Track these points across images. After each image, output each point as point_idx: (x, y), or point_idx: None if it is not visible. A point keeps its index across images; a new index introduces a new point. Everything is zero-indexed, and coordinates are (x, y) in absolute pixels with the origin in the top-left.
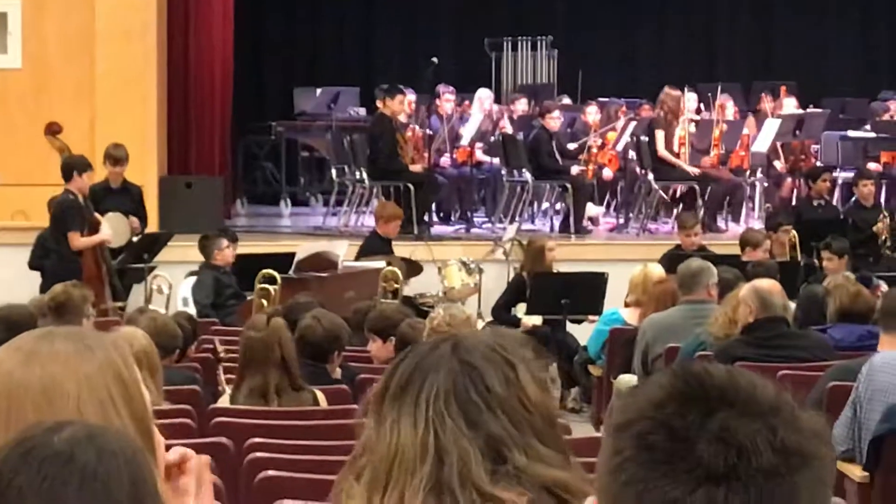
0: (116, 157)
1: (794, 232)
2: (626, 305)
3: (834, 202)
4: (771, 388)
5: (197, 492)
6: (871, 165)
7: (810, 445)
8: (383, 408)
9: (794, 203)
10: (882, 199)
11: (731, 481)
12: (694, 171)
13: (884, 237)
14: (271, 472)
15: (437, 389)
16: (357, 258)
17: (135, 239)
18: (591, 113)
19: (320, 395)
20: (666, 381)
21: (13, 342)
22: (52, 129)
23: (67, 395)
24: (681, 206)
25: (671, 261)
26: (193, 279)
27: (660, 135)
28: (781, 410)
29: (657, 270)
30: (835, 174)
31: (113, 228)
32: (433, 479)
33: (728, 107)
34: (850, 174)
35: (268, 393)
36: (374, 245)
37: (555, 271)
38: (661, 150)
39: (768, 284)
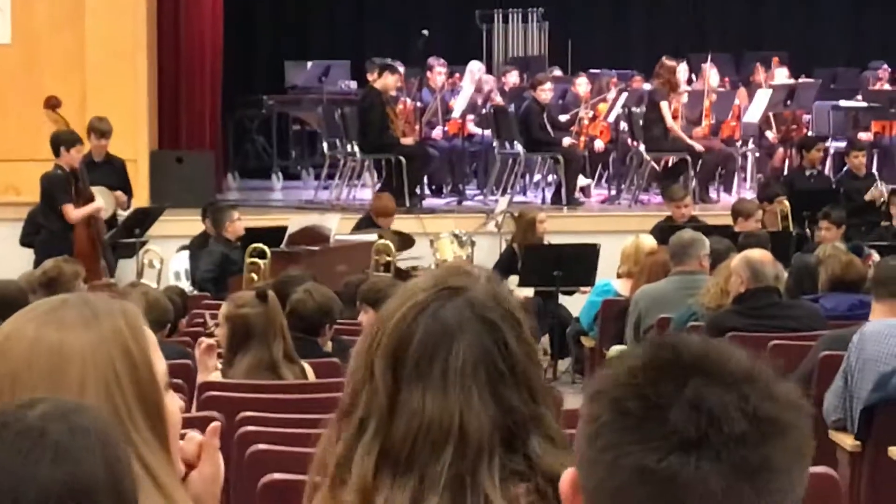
0: (101, 129)
1: (786, 202)
2: (619, 277)
3: (826, 172)
4: (746, 358)
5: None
6: (863, 135)
7: (785, 415)
8: (403, 373)
9: (785, 173)
10: (874, 169)
11: (702, 448)
12: (699, 147)
13: (882, 200)
14: (262, 446)
15: (466, 359)
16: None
17: (121, 213)
18: (581, 84)
19: (308, 369)
20: (642, 351)
21: (30, 308)
22: (51, 103)
23: (72, 367)
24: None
25: (663, 232)
26: (185, 253)
27: (665, 105)
28: (756, 379)
29: (649, 241)
30: (826, 144)
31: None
32: (454, 469)
33: (712, 75)
34: (842, 144)
35: (278, 365)
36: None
37: (547, 243)
38: (671, 122)
39: (759, 254)
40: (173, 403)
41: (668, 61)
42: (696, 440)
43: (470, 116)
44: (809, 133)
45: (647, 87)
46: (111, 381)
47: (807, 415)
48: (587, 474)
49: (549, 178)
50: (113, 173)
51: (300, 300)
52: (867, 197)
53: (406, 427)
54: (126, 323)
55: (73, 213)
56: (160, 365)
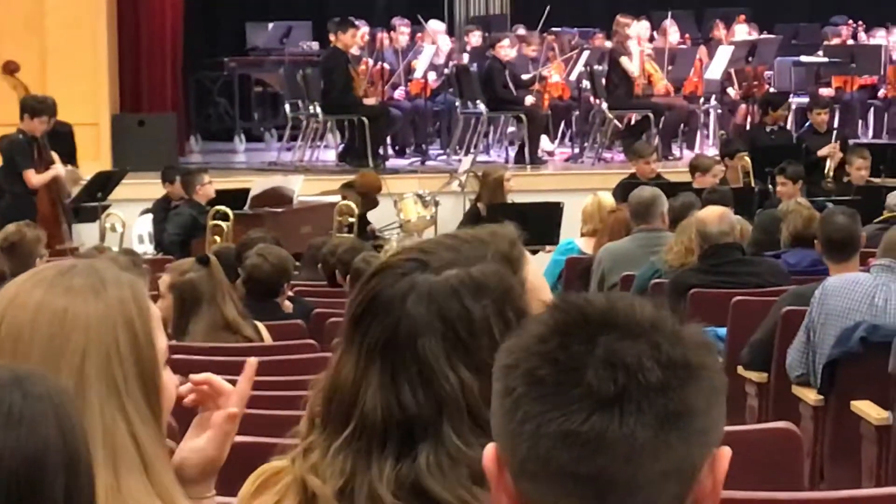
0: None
1: (747, 158)
2: (583, 235)
3: (788, 128)
4: (650, 307)
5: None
6: (824, 90)
7: (696, 356)
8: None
9: (747, 129)
10: (836, 124)
11: (623, 403)
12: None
13: (829, 164)
14: None
15: (377, 339)
16: None
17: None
18: (533, 45)
19: (262, 327)
20: (547, 316)
21: (37, 272)
22: (10, 68)
23: (75, 335)
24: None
25: (626, 190)
26: (149, 216)
27: (626, 60)
28: (662, 327)
29: (609, 199)
30: (789, 100)
31: None
32: (355, 446)
33: (672, 32)
34: (804, 99)
35: (237, 325)
36: None
37: (510, 202)
38: (636, 70)
39: (707, 213)
40: (170, 380)
41: (622, 18)
42: (616, 396)
43: (432, 76)
44: (771, 89)
45: (608, 45)
46: (112, 352)
47: (714, 352)
48: (511, 448)
49: (513, 137)
50: (62, 141)
51: (255, 265)
52: (820, 153)
53: (325, 387)
54: (132, 295)
55: (34, 178)
56: (161, 341)
